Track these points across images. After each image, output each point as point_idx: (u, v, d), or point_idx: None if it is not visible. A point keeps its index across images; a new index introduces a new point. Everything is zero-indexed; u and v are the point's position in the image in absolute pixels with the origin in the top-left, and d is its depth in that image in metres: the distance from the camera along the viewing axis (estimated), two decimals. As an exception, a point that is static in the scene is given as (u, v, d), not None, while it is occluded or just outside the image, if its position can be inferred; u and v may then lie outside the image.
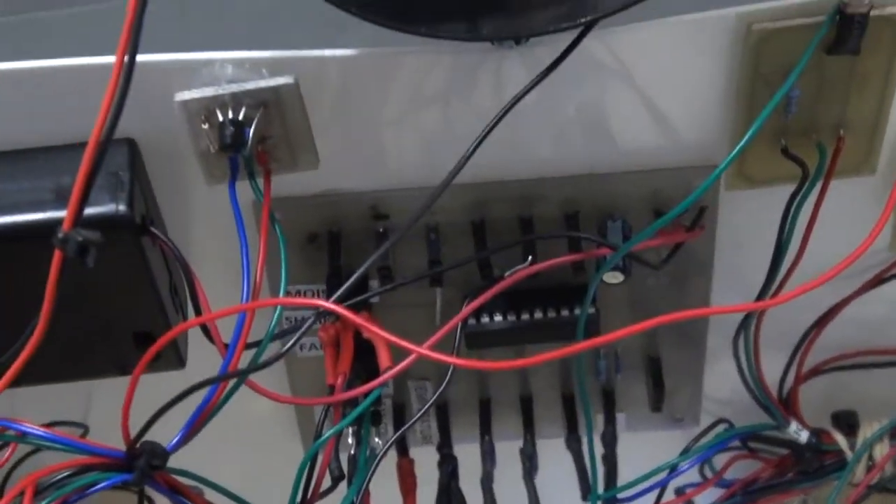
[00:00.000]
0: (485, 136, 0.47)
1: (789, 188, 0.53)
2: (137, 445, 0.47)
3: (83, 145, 0.43)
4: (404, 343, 0.44)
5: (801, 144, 0.52)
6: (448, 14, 0.45)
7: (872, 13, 0.47)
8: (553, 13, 0.45)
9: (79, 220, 0.43)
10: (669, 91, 0.51)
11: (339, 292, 0.50)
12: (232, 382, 0.48)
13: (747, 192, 0.54)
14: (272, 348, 0.49)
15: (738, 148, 0.48)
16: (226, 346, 0.48)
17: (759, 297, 0.56)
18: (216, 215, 0.53)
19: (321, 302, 0.47)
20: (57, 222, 0.43)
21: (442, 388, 0.54)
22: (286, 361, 0.61)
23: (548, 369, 0.63)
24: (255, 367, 0.47)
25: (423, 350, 0.45)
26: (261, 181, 0.50)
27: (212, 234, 0.54)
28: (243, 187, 0.50)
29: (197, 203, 0.54)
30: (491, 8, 0.45)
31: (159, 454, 0.47)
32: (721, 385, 0.64)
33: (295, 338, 0.49)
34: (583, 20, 0.44)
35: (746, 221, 0.56)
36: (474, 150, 0.47)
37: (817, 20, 0.48)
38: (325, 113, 0.50)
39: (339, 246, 0.56)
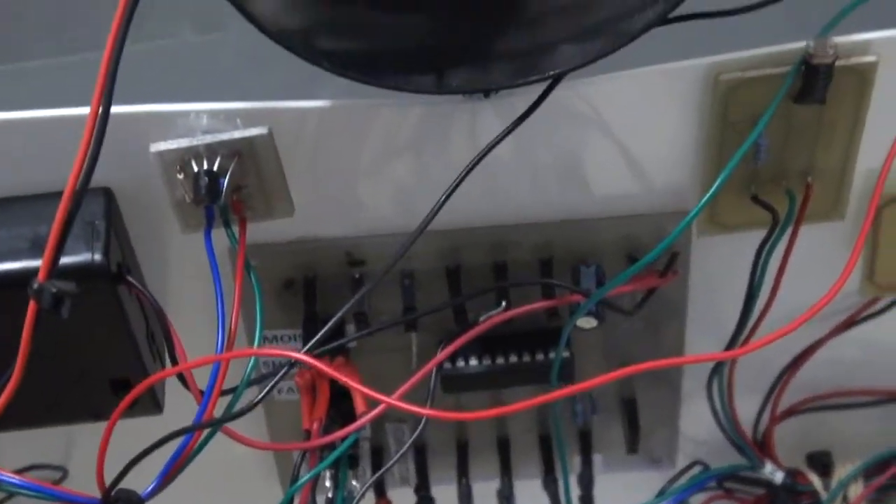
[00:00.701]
0: (456, 186, 0.48)
1: (760, 233, 0.54)
2: (112, 493, 0.47)
3: (60, 195, 0.44)
4: (374, 394, 0.45)
5: (771, 191, 0.52)
6: (417, 67, 0.46)
7: (838, 63, 0.48)
8: (520, 66, 0.46)
9: (54, 271, 0.44)
10: (641, 138, 0.52)
11: (312, 342, 0.50)
12: (207, 430, 0.48)
13: (719, 238, 0.55)
14: (249, 392, 0.50)
15: (707, 196, 0.49)
16: (202, 392, 0.49)
17: (732, 340, 0.57)
18: (192, 262, 0.53)
19: (294, 353, 0.47)
20: (33, 271, 0.44)
21: (417, 432, 0.54)
22: (264, 404, 0.61)
23: (524, 412, 0.63)
24: (230, 416, 0.47)
25: (393, 401, 0.45)
26: (236, 229, 0.51)
27: (188, 280, 0.55)
28: (219, 234, 0.51)
29: (173, 250, 0.54)
30: (459, 61, 0.46)
31: (135, 502, 0.48)
32: (697, 426, 0.64)
33: (267, 388, 0.49)
34: (550, 73, 0.45)
35: (718, 266, 0.57)
36: (446, 199, 0.48)
37: (784, 70, 0.48)
38: (299, 162, 0.50)
39: (315, 292, 0.56)
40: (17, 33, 0.57)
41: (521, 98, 0.48)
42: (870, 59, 0.49)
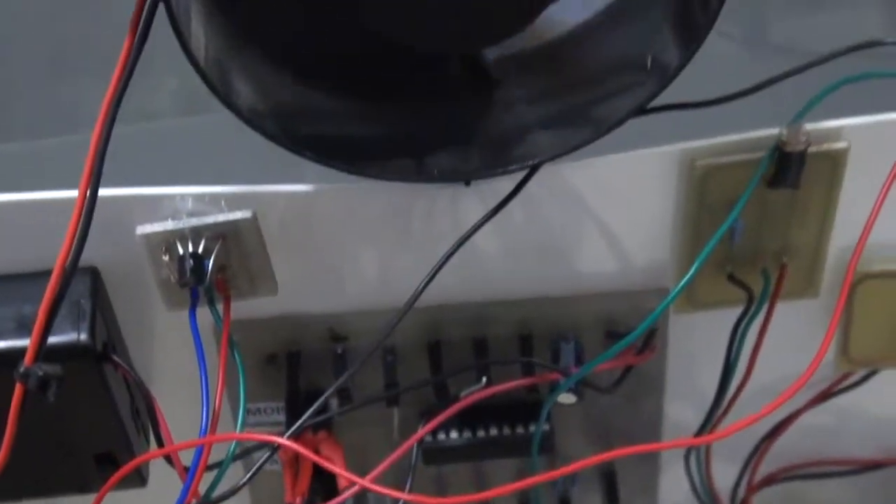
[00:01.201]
0: (438, 269, 0.49)
1: (737, 311, 0.55)
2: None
3: (45, 274, 0.44)
4: (352, 476, 0.46)
5: (747, 271, 0.53)
6: (398, 154, 0.47)
7: (810, 150, 0.49)
8: (499, 152, 0.47)
9: (41, 355, 0.45)
10: (620, 219, 0.53)
11: (295, 426, 0.51)
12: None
13: (696, 315, 0.56)
14: (233, 466, 0.50)
15: (685, 279, 0.50)
16: (186, 469, 0.50)
17: (710, 414, 0.58)
18: (177, 339, 0.54)
19: (276, 438, 0.48)
20: (19, 351, 0.45)
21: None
22: (247, 475, 0.61)
23: (505, 477, 0.64)
24: (212, 501, 0.48)
25: (367, 483, 0.46)
26: (220, 306, 0.52)
27: (173, 356, 0.55)
28: (204, 310, 0.51)
29: (158, 327, 0.55)
30: (439, 147, 0.47)
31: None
32: (676, 496, 0.65)
33: (250, 473, 0.50)
34: (529, 163, 0.46)
35: (696, 342, 0.58)
36: (428, 282, 0.49)
37: (758, 156, 0.50)
38: (283, 243, 0.51)
39: (298, 366, 0.57)
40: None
41: (502, 181, 0.49)
42: (841, 145, 0.50)
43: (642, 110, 0.45)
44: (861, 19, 0.69)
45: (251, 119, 0.44)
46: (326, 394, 0.51)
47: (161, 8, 0.41)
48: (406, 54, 0.44)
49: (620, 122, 0.45)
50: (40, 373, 0.44)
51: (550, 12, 0.43)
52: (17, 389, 0.45)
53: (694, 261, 0.50)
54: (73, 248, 0.44)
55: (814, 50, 0.54)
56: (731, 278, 0.53)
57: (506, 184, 0.49)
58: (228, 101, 0.43)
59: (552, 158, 0.46)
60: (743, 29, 0.63)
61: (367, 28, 0.42)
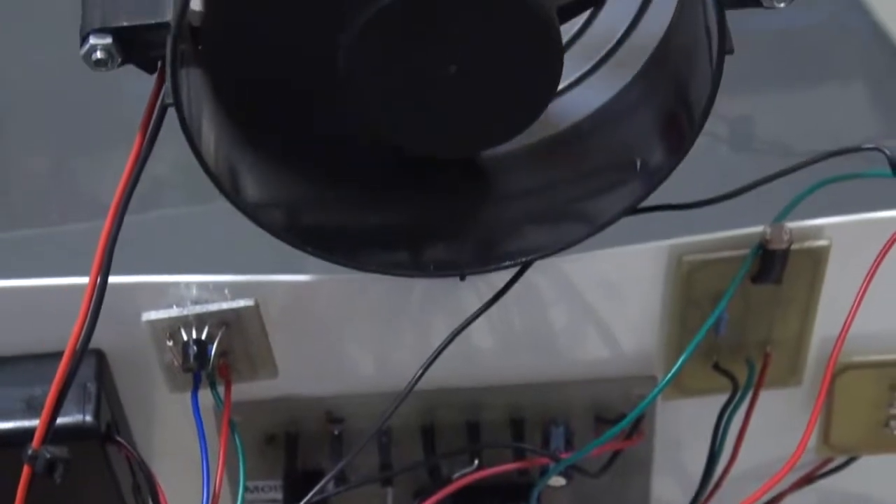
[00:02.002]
0: (434, 359, 0.50)
1: (722, 398, 0.56)
2: None
3: (52, 356, 0.46)
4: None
5: (732, 360, 0.55)
6: (395, 249, 0.49)
7: (793, 247, 0.51)
8: (493, 245, 0.49)
9: (48, 438, 0.46)
10: (611, 310, 0.55)
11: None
12: None
13: (683, 401, 0.58)
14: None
15: (673, 369, 0.52)
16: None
17: (696, 497, 0.59)
18: (179, 420, 0.55)
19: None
20: (27, 432, 0.46)
21: None
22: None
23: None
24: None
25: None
26: (222, 389, 0.53)
27: (175, 436, 0.57)
28: (205, 392, 0.53)
29: (160, 409, 0.57)
30: (434, 241, 0.49)
31: None
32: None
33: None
34: (521, 259, 0.48)
35: (683, 427, 0.59)
36: (423, 371, 0.50)
37: (742, 253, 0.51)
38: (283, 329, 0.53)
39: (297, 447, 0.58)
40: (8, 205, 0.61)
41: (497, 274, 0.51)
42: (822, 242, 0.52)
43: (633, 210, 0.47)
44: (845, 118, 0.72)
45: (256, 215, 0.46)
46: (325, 479, 0.52)
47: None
48: (405, 153, 0.46)
49: (611, 222, 0.47)
50: (48, 455, 0.46)
51: (544, 115, 0.45)
52: (25, 471, 0.46)
53: (681, 350, 0.53)
54: (82, 334, 0.46)
55: (797, 149, 0.56)
56: (717, 367, 0.55)
57: (500, 276, 0.51)
58: (236, 200, 0.45)
59: (544, 256, 0.48)
60: (730, 130, 0.66)
61: (368, 134, 0.44)
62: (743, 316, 0.54)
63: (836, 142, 0.51)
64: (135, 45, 0.43)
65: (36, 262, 0.56)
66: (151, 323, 0.51)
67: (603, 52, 0.48)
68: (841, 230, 0.52)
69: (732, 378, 0.55)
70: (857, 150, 0.49)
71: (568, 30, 0.47)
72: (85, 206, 0.62)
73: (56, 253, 0.60)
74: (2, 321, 0.53)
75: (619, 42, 0.48)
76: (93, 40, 0.43)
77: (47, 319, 0.50)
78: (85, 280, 0.46)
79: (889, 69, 0.83)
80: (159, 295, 0.51)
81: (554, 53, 0.42)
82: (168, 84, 0.42)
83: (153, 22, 0.43)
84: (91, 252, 0.46)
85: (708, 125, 0.45)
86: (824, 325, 0.55)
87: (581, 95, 0.48)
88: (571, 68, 0.48)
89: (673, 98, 0.46)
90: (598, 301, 0.54)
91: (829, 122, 0.76)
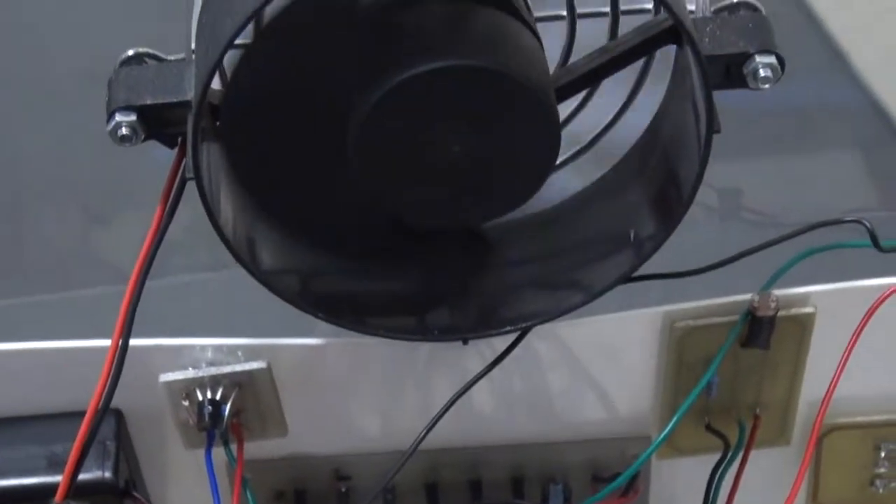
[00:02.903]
0: (438, 419, 0.53)
1: (714, 457, 0.58)
2: None
3: (73, 415, 0.49)
4: None
5: (723, 421, 0.57)
6: (401, 314, 0.51)
7: (779, 314, 0.53)
8: (494, 310, 0.51)
9: (71, 492, 0.49)
10: (607, 373, 0.57)
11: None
12: None
13: (677, 460, 0.60)
14: None
15: (666, 430, 0.54)
16: None
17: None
18: (193, 476, 0.57)
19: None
20: (49, 488, 0.49)
21: None
22: None
23: None
24: None
25: None
26: (234, 447, 0.56)
27: (189, 492, 0.59)
28: (219, 450, 0.55)
29: (176, 465, 0.59)
30: (438, 309, 0.51)
31: None
32: None
33: None
34: (521, 325, 0.50)
35: (676, 485, 0.61)
36: (427, 431, 0.53)
37: (732, 319, 0.54)
38: (293, 390, 0.55)
39: (305, 503, 0.60)
40: (24, 272, 0.64)
41: (498, 337, 0.54)
42: (808, 310, 0.54)
43: (627, 279, 0.49)
44: (838, 189, 0.75)
45: (270, 282, 0.48)
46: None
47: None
48: (409, 225, 0.49)
49: (606, 291, 0.49)
50: (69, 509, 0.49)
51: (543, 188, 0.48)
52: (48, 525, 0.49)
53: (674, 411, 0.55)
54: (104, 394, 0.49)
55: (787, 219, 0.59)
56: (709, 428, 0.57)
57: (502, 339, 0.54)
58: (252, 268, 0.47)
59: (542, 321, 0.50)
60: (721, 201, 0.69)
61: (376, 206, 0.46)
62: (733, 379, 0.56)
63: (827, 212, 0.54)
64: (157, 122, 0.46)
65: (55, 326, 0.58)
66: (168, 384, 0.54)
67: (599, 129, 0.51)
68: (825, 298, 0.55)
69: (724, 438, 0.58)
70: (839, 222, 0.52)
71: (565, 109, 0.49)
72: (103, 272, 0.65)
73: (75, 317, 0.63)
74: (24, 381, 0.55)
75: (614, 120, 0.51)
76: (118, 117, 0.46)
77: (67, 380, 0.53)
78: (105, 343, 0.49)
79: (882, 141, 0.86)
80: (176, 357, 0.54)
81: (552, 131, 0.45)
82: (189, 159, 0.45)
83: (175, 100, 0.46)
84: (109, 316, 0.49)
85: (701, 195, 0.48)
86: (811, 387, 0.57)
87: (577, 170, 0.51)
88: (569, 144, 0.51)
89: (664, 175, 0.49)
90: (595, 364, 0.57)
91: (821, 193, 0.79)
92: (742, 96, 0.47)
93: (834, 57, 0.90)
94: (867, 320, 0.53)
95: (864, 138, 0.86)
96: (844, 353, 0.53)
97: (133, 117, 0.46)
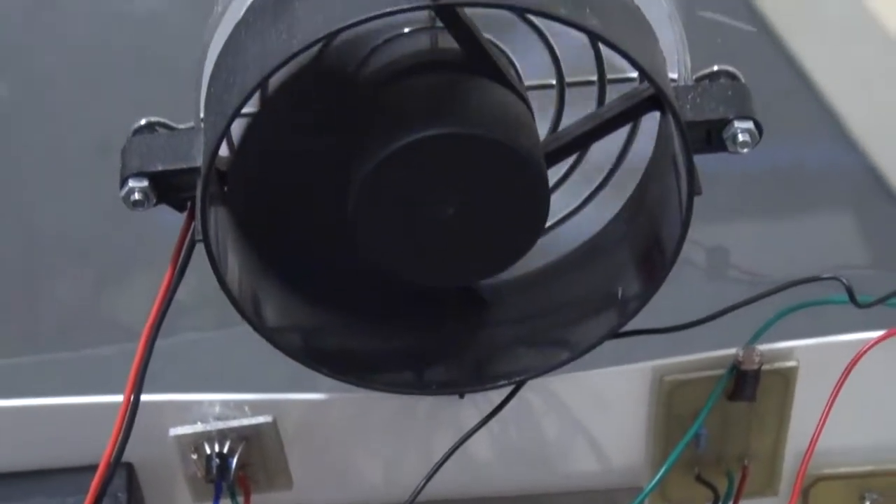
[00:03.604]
0: (436, 470, 0.55)
1: (705, 508, 0.61)
2: None
3: (86, 469, 0.51)
4: None
5: (712, 472, 0.59)
6: (400, 369, 0.53)
7: (764, 368, 0.56)
8: (489, 366, 0.53)
9: (83, 544, 0.51)
10: (599, 426, 0.59)
11: None
12: None
13: (668, 511, 0.62)
14: None
15: (655, 480, 0.56)
16: None
17: None
18: (201, 527, 0.60)
19: None
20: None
21: None
22: None
23: None
24: None
25: None
26: (241, 499, 0.58)
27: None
28: (226, 502, 0.57)
29: (184, 517, 0.61)
30: (436, 365, 0.53)
31: None
32: None
33: None
34: (515, 379, 0.53)
35: (669, 535, 0.63)
36: (425, 483, 0.55)
37: (718, 373, 0.56)
38: (298, 443, 0.57)
39: (309, 553, 0.62)
40: (37, 332, 0.66)
41: (495, 390, 0.56)
42: (791, 363, 0.57)
43: (614, 335, 0.51)
44: (828, 247, 0.78)
45: (275, 339, 0.50)
46: None
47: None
48: (407, 283, 0.51)
49: (596, 345, 0.51)
50: (82, 560, 0.51)
51: (534, 248, 0.50)
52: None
53: (665, 463, 0.57)
54: (115, 448, 0.51)
55: (768, 275, 0.61)
56: (699, 478, 0.59)
57: (498, 392, 0.56)
58: (257, 325, 0.50)
59: (534, 376, 0.52)
60: (709, 259, 0.71)
61: (375, 266, 0.49)
62: (721, 431, 0.58)
63: (817, 270, 0.56)
64: (168, 188, 0.48)
65: (67, 384, 0.61)
66: (178, 437, 0.56)
67: (586, 195, 0.53)
68: (808, 352, 0.57)
69: (713, 489, 0.59)
70: (817, 279, 0.54)
71: (554, 173, 0.52)
72: (114, 332, 0.68)
73: (86, 375, 0.65)
74: (38, 436, 0.57)
75: (601, 185, 0.53)
76: (131, 183, 0.48)
77: (80, 435, 0.55)
78: (117, 398, 0.51)
79: (874, 201, 0.88)
80: (185, 412, 0.56)
81: (541, 195, 0.47)
82: (198, 223, 0.47)
83: (185, 167, 0.48)
84: (120, 374, 0.51)
85: (691, 254, 0.50)
86: (797, 439, 0.59)
87: (567, 232, 0.53)
88: (558, 207, 0.53)
89: (649, 237, 0.51)
90: (588, 417, 0.59)
91: (813, 252, 0.81)
92: (737, 158, 0.49)
93: (828, 119, 0.92)
94: (847, 374, 0.55)
95: (856, 198, 0.89)
96: (827, 405, 0.56)
97: (145, 183, 0.48)
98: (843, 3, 0.94)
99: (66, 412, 0.57)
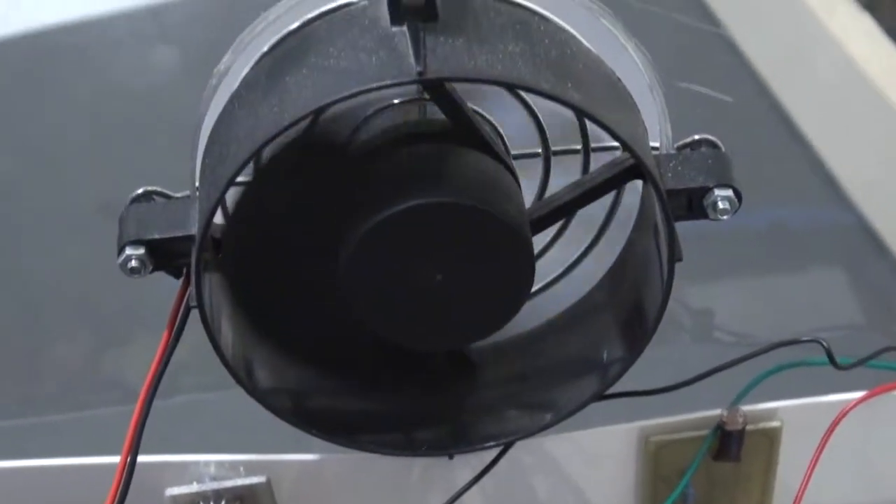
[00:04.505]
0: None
1: (694, 565, 0.62)
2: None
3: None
4: None
5: (700, 531, 0.61)
6: (390, 430, 0.54)
7: (748, 428, 0.57)
8: (479, 432, 0.55)
9: None
10: (587, 485, 0.60)
11: None
12: None
13: (659, 568, 0.63)
14: None
15: (641, 539, 0.57)
16: None
17: None
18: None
19: None
20: None
21: None
22: None
23: None
24: None
25: None
26: (236, 558, 0.59)
27: None
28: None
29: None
30: (425, 426, 0.55)
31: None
32: None
33: None
34: (503, 440, 0.54)
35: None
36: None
37: (703, 434, 0.57)
38: (293, 502, 0.59)
39: None
40: (37, 394, 0.68)
41: (489, 451, 0.57)
42: (775, 424, 0.58)
43: (597, 399, 0.53)
44: (818, 307, 0.79)
45: (267, 401, 0.52)
46: None
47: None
48: (397, 346, 0.52)
49: (581, 407, 0.53)
50: None
51: (521, 313, 0.51)
52: None
53: (653, 522, 0.58)
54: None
55: (753, 335, 0.62)
56: (687, 538, 0.61)
57: (490, 452, 0.57)
58: (249, 388, 0.51)
59: (522, 437, 0.54)
60: (692, 318, 0.73)
61: (364, 330, 0.50)
62: (708, 490, 0.59)
63: (806, 331, 0.58)
64: (164, 255, 0.50)
65: (66, 444, 0.62)
66: (174, 498, 0.57)
67: (571, 261, 0.55)
68: (791, 412, 0.58)
69: (701, 547, 0.61)
70: (797, 342, 0.56)
71: (540, 241, 0.53)
72: (113, 393, 0.69)
73: (86, 435, 0.66)
74: (36, 497, 0.58)
75: (586, 252, 0.55)
76: (129, 251, 0.49)
77: (78, 496, 0.56)
78: (113, 459, 0.52)
79: (868, 260, 0.89)
80: (182, 472, 0.57)
81: (527, 262, 0.48)
82: (193, 288, 0.48)
83: (181, 234, 0.49)
84: (119, 434, 0.52)
85: (678, 316, 0.51)
86: (781, 498, 0.60)
87: (552, 297, 0.55)
88: (544, 273, 0.54)
89: (631, 302, 0.52)
90: (577, 475, 0.60)
91: (804, 312, 0.83)
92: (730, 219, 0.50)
93: (824, 180, 0.94)
94: (830, 433, 0.56)
95: (846, 255, 0.90)
96: (810, 464, 0.57)
97: (142, 251, 0.49)
98: (836, 65, 0.95)
99: (64, 473, 0.58)
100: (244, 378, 0.51)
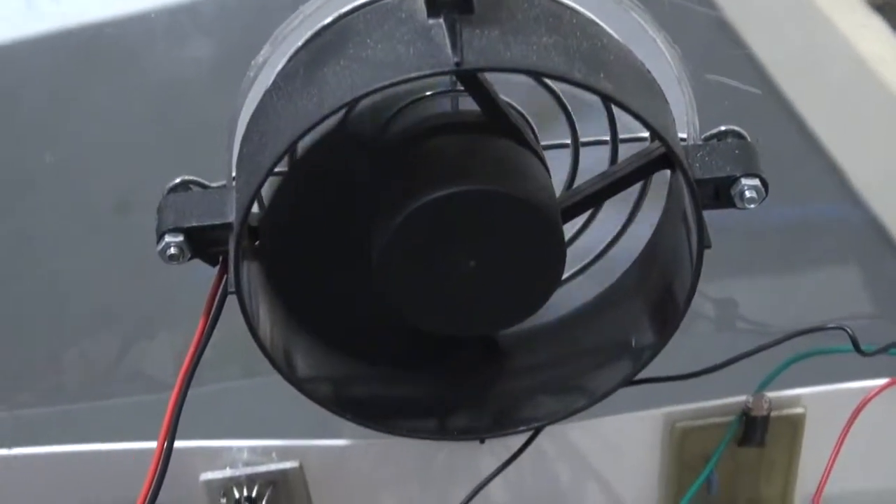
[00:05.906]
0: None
1: (718, 552, 0.63)
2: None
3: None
4: None
5: (724, 516, 0.62)
6: (423, 416, 0.55)
7: (772, 415, 0.58)
8: (508, 412, 0.56)
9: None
10: (612, 471, 0.61)
11: None
12: None
13: (681, 554, 0.64)
14: None
15: (668, 527, 0.58)
16: None
17: None
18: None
19: None
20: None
21: None
22: None
23: None
24: None
25: None
26: (268, 543, 0.60)
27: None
28: (251, 545, 0.59)
29: (212, 559, 0.63)
30: (457, 412, 0.56)
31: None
32: None
33: None
34: (534, 425, 0.55)
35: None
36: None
37: (728, 420, 0.58)
38: (324, 487, 0.60)
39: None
40: (65, 384, 0.69)
41: (512, 437, 0.58)
42: (799, 410, 0.59)
43: (628, 383, 0.54)
44: (834, 299, 0.80)
45: (305, 388, 0.53)
46: None
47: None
48: (431, 334, 0.53)
49: (610, 392, 0.53)
50: None
51: (551, 299, 0.52)
52: None
53: (677, 507, 0.59)
54: (149, 493, 0.53)
55: (775, 325, 0.63)
56: (710, 523, 0.62)
57: (516, 439, 0.58)
58: (288, 376, 0.52)
59: (553, 422, 0.54)
60: (717, 308, 0.74)
61: (400, 318, 0.51)
62: (732, 476, 0.60)
63: (823, 320, 0.59)
64: (202, 243, 0.51)
65: (97, 431, 0.63)
66: (208, 482, 0.58)
67: (601, 248, 0.56)
68: (815, 399, 0.59)
69: (725, 533, 0.62)
70: (823, 329, 0.56)
71: (570, 228, 0.54)
72: (138, 383, 0.71)
73: (115, 423, 0.68)
74: (72, 482, 0.59)
75: (615, 239, 0.56)
76: (167, 238, 0.50)
77: (114, 480, 0.57)
78: (149, 445, 0.53)
79: (878, 255, 0.90)
80: (215, 458, 0.58)
81: (558, 249, 0.49)
82: (231, 275, 0.49)
83: (219, 222, 0.50)
84: (148, 422, 0.53)
85: (701, 306, 0.52)
86: (805, 484, 0.61)
87: (583, 284, 0.56)
88: (574, 260, 0.55)
89: (661, 288, 0.53)
90: (602, 463, 0.61)
91: (820, 303, 0.84)
92: (745, 214, 0.51)
93: (834, 177, 0.95)
94: (853, 419, 0.57)
95: (861, 251, 0.91)
96: (834, 450, 0.58)
97: (181, 238, 0.50)
98: (848, 67, 0.96)
99: (100, 458, 0.59)
100: (283, 366, 0.52)
